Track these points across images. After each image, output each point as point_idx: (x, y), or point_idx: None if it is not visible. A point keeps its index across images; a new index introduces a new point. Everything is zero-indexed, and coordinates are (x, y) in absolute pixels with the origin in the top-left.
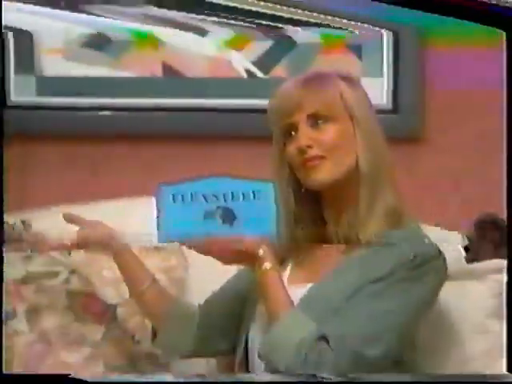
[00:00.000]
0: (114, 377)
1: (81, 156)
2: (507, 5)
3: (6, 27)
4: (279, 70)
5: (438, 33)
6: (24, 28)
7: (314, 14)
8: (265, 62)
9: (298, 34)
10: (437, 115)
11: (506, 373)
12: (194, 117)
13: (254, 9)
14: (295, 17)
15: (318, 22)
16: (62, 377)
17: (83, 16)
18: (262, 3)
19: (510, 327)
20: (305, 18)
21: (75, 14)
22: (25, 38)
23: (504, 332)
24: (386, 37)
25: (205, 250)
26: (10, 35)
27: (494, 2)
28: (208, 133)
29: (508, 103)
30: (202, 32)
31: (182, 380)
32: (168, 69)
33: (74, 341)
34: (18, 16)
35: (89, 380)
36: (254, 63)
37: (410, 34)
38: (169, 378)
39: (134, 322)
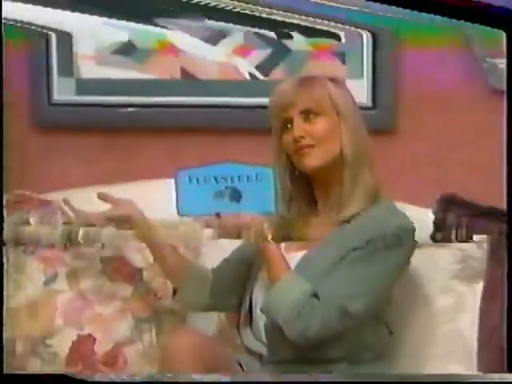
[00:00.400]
0: (116, 376)
1: (112, 145)
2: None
3: (51, 29)
4: (277, 73)
5: (411, 37)
6: (66, 36)
7: (302, 17)
8: (265, 67)
9: (293, 43)
10: (409, 111)
11: (507, 373)
12: (207, 112)
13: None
14: (288, 20)
15: (308, 25)
16: (62, 377)
17: (113, 24)
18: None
19: (510, 327)
20: (296, 22)
21: (107, 26)
22: (65, 47)
23: (467, 292)
24: (366, 45)
25: (216, 225)
26: (54, 42)
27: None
28: (218, 126)
29: (508, 102)
30: (214, 41)
31: (182, 380)
32: (185, 72)
33: (106, 297)
34: (60, 21)
35: (89, 380)
36: (256, 67)
37: (386, 41)
38: (169, 377)
39: (157, 282)
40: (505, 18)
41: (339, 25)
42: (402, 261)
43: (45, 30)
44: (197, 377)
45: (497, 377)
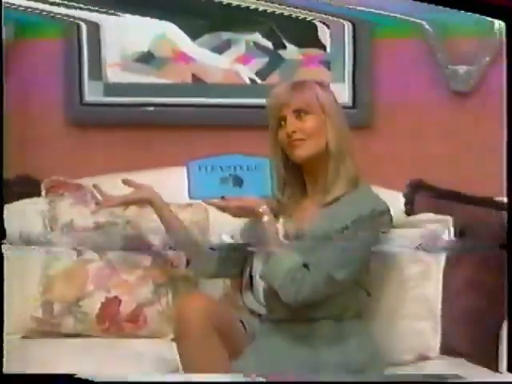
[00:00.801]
0: (115, 377)
1: (133, 138)
2: None
3: (83, 39)
4: (273, 78)
5: (387, 47)
6: (96, 44)
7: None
8: (263, 73)
9: (286, 53)
10: (384, 110)
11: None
12: (213, 111)
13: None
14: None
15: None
16: (63, 377)
17: (135, 36)
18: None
19: (510, 326)
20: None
21: (131, 38)
22: (95, 54)
23: (432, 263)
24: (348, 54)
25: (222, 207)
26: (85, 50)
27: None
28: (223, 123)
29: (508, 98)
30: (220, 51)
31: (183, 380)
32: (195, 77)
33: (130, 266)
34: (91, 31)
35: (89, 379)
36: (256, 73)
37: (365, 50)
38: (169, 377)
39: (173, 253)
40: (504, 9)
41: (327, 37)
42: (378, 236)
43: (79, 40)
44: (197, 377)
45: (497, 377)
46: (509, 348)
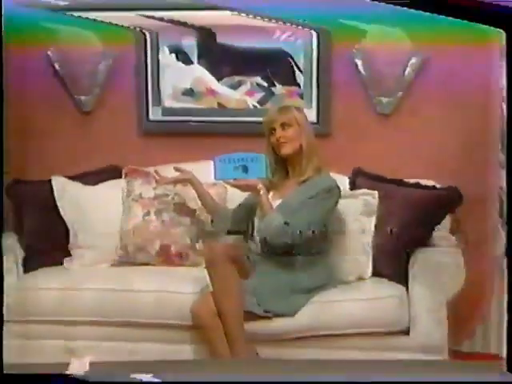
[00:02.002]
0: (116, 377)
1: (181, 142)
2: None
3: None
4: (268, 105)
5: (339, 81)
6: (156, 81)
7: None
8: (261, 102)
9: (276, 89)
10: (337, 124)
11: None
12: (231, 125)
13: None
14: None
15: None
16: (63, 377)
17: (181, 77)
18: None
19: (510, 326)
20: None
21: (177, 78)
22: (155, 88)
23: (367, 222)
24: (315, 91)
25: (235, 185)
26: (150, 84)
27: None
28: (236, 132)
29: (508, 102)
30: (234, 88)
31: (184, 380)
32: (219, 104)
33: (176, 224)
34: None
35: (91, 380)
36: (257, 102)
37: (325, 89)
38: (169, 377)
39: (203, 216)
40: (505, 17)
41: (302, 79)
42: (334, 203)
43: (146, 79)
44: (201, 377)
45: (497, 377)
46: (509, 348)
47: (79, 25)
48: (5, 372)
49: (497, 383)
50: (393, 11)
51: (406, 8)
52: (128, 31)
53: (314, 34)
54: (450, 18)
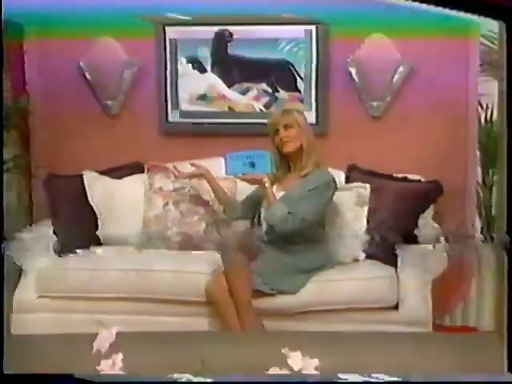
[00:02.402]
0: (116, 376)
1: (197, 141)
2: None
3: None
4: (272, 108)
5: (339, 92)
6: (174, 87)
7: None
8: (267, 106)
9: (279, 94)
10: (334, 126)
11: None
12: (240, 127)
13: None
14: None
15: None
16: (63, 377)
17: (196, 84)
18: None
19: (510, 326)
20: None
21: (193, 85)
22: (174, 93)
23: (360, 211)
24: (314, 95)
25: (243, 179)
26: (169, 89)
27: None
28: (245, 133)
29: (508, 99)
30: (243, 93)
31: (185, 380)
32: (230, 108)
33: (192, 213)
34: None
35: (88, 379)
36: (263, 106)
37: (323, 94)
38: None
39: (216, 206)
40: (505, 9)
41: (302, 86)
42: (331, 195)
43: (165, 86)
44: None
45: (497, 377)
46: (509, 348)
47: (106, 36)
48: (5, 372)
49: (497, 383)
50: (386, 23)
51: (397, 18)
52: (150, 42)
53: (314, 47)
54: (437, 29)
